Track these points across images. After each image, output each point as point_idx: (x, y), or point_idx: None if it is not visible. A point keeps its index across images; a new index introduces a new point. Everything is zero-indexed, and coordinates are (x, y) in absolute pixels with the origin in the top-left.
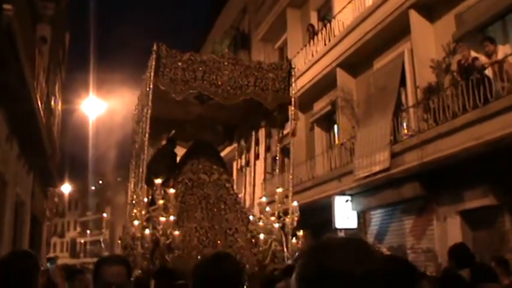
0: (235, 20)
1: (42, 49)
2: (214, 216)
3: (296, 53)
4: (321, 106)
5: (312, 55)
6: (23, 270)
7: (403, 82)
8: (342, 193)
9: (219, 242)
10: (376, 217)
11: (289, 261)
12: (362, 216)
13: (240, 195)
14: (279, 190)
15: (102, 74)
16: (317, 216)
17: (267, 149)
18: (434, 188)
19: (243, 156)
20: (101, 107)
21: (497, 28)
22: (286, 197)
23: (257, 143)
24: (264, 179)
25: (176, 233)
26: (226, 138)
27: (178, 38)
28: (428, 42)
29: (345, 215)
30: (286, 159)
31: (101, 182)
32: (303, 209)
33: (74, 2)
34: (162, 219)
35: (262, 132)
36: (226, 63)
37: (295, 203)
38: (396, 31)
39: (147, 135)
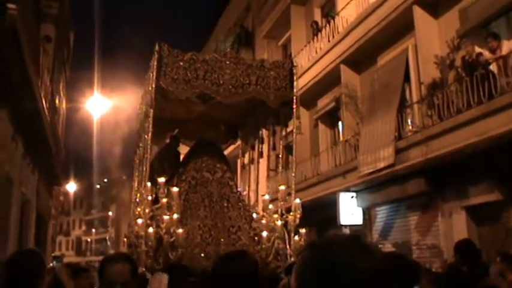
0: (239, 18)
1: (46, 48)
2: (218, 214)
3: (300, 49)
4: (325, 103)
5: (316, 52)
6: (29, 268)
7: (407, 78)
8: (347, 189)
9: (222, 239)
10: (381, 213)
11: (292, 259)
12: (367, 213)
13: (244, 193)
14: (282, 188)
15: (106, 73)
16: (322, 212)
17: (272, 147)
18: (439, 184)
19: (247, 154)
20: (105, 105)
21: (502, 23)
22: (289, 194)
23: (261, 141)
24: (268, 177)
25: (179, 231)
26: (229, 136)
27: (182, 36)
28: (432, 38)
29: (349, 211)
30: (290, 157)
31: (106, 180)
32: (308, 206)
33: (79, 2)
34: (166, 217)
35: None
36: (228, 62)
37: (297, 201)
38: (400, 27)
39: (150, 134)
